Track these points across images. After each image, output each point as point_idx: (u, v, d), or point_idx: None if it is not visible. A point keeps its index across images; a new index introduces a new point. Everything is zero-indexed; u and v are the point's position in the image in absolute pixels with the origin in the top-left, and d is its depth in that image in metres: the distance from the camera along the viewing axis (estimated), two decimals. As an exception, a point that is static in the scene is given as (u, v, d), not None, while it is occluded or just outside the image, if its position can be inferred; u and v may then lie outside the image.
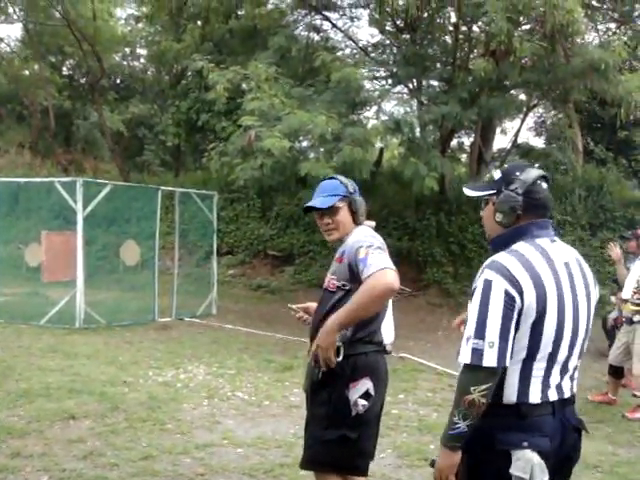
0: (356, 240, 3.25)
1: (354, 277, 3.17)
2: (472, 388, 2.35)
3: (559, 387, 2.48)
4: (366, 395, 3.22)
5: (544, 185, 2.56)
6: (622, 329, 7.59)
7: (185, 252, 16.59)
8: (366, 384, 3.23)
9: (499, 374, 2.36)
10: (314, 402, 3.39)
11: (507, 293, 2.34)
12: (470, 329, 2.39)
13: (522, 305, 2.35)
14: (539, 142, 22.16)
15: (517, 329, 2.37)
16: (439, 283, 15.33)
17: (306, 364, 8.76)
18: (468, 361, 2.37)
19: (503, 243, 2.53)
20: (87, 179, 12.37)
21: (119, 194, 15.45)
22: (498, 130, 19.42)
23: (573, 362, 2.52)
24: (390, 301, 3.44)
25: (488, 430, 2.42)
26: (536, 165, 17.17)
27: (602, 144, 17.71)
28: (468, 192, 2.72)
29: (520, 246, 2.48)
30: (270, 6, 16.16)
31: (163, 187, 13.40)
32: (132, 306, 12.63)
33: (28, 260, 16.29)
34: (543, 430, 2.41)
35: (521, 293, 2.35)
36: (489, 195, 2.61)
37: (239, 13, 17.73)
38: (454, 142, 18.84)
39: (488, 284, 2.38)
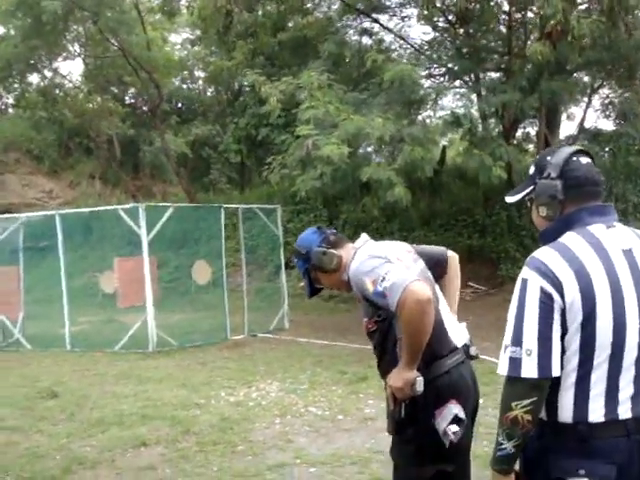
0: (353, 278, 2.94)
1: (378, 305, 2.85)
2: (514, 404, 2.03)
3: (636, 402, 2.05)
4: (456, 420, 2.79)
5: (584, 160, 2.21)
6: None
7: (255, 268, 16.61)
8: (452, 409, 2.81)
9: (544, 387, 2.03)
10: (400, 442, 3.00)
11: (543, 291, 2.02)
12: (507, 335, 2.09)
13: (563, 303, 2.01)
14: (608, 125, 21.36)
15: (565, 332, 2.03)
16: (514, 279, 14.76)
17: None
18: (506, 372, 2.06)
19: (552, 237, 2.17)
20: (149, 204, 12.48)
21: (185, 215, 15.61)
22: (564, 117, 18.86)
23: None
24: (442, 299, 3.09)
25: (543, 454, 2.11)
26: (605, 149, 16.62)
27: (675, 120, 16.89)
28: (509, 199, 2.39)
29: (566, 237, 2.12)
30: (318, 14, 16.08)
31: (225, 205, 13.41)
32: (204, 326, 12.66)
33: (103, 287, 16.60)
34: (609, 456, 2.01)
35: (560, 290, 2.01)
36: (528, 193, 2.29)
37: (287, 25, 17.74)
38: (519, 133, 18.36)
39: (524, 283, 2.08)
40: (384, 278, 2.73)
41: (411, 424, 2.89)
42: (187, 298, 15.72)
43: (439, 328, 2.92)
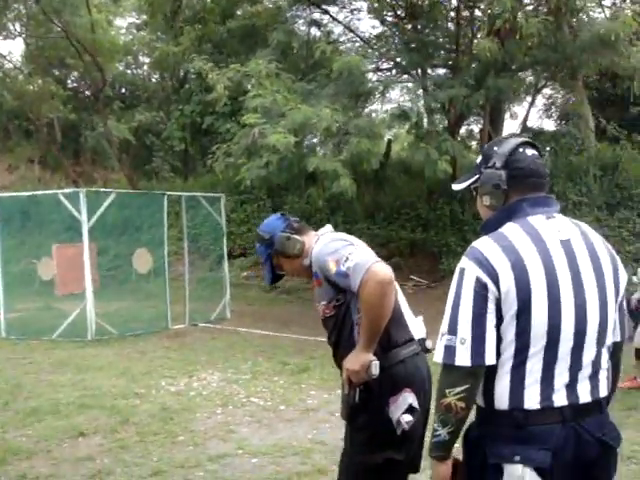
0: (316, 259, 2.95)
1: (340, 287, 2.86)
2: (447, 391, 2.06)
3: (571, 390, 2.08)
4: (410, 410, 2.81)
5: (529, 152, 2.23)
6: (648, 310, 7.30)
7: (197, 257, 16.45)
8: (407, 398, 2.83)
9: (478, 374, 2.06)
10: (352, 428, 3.01)
11: (479, 281, 2.04)
12: (444, 324, 2.11)
13: (499, 293, 2.03)
14: (550, 124, 21.83)
15: (501, 321, 2.05)
16: (456, 273, 15.08)
17: (322, 364, 8.57)
18: (441, 360, 2.08)
19: (493, 227, 2.19)
20: (90, 189, 12.22)
21: (128, 202, 15.34)
22: (507, 115, 19.18)
23: (589, 357, 2.10)
24: (400, 291, 3.10)
25: (480, 439, 2.14)
26: (547, 148, 16.94)
27: (614, 122, 17.34)
28: (455, 187, 2.41)
29: (506, 227, 2.14)
30: (267, 3, 15.96)
31: (169, 192, 13.20)
32: (145, 315, 12.47)
33: (41, 274, 16.25)
34: (545, 442, 2.04)
35: (496, 279, 2.03)
36: (474, 182, 2.30)
37: (236, 12, 17.54)
38: (463, 130, 18.59)
39: (461, 273, 2.09)
40: (347, 258, 2.77)
41: (364, 411, 2.90)
42: (127, 286, 15.46)
43: (398, 315, 2.96)
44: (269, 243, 3.15)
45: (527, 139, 2.30)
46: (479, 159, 2.33)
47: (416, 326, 3.08)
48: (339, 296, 2.92)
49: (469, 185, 2.35)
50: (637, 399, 6.86)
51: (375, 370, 2.78)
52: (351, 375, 2.84)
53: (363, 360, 2.78)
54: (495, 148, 2.26)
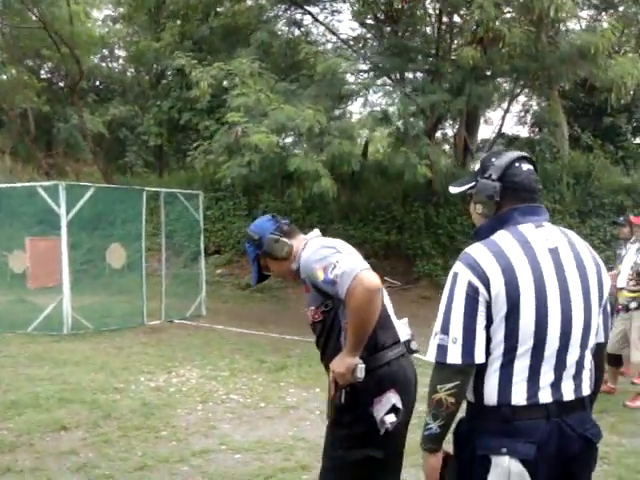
0: (304, 266, 3.00)
1: (328, 294, 2.92)
2: (439, 387, 2.20)
3: (555, 388, 2.22)
4: (393, 410, 2.89)
5: (525, 167, 2.36)
6: (619, 317, 7.48)
7: (172, 253, 16.38)
8: (391, 398, 2.90)
9: (468, 372, 2.20)
10: (335, 425, 3.07)
11: (470, 284, 2.18)
12: (437, 324, 2.25)
13: (489, 296, 2.17)
14: (523, 131, 22.10)
15: (490, 323, 2.19)
16: (429, 276, 15.25)
17: (299, 363, 8.63)
18: (433, 358, 2.23)
19: (485, 234, 2.33)
20: (70, 182, 12.14)
21: (103, 197, 15.19)
22: (482, 120, 19.37)
23: (573, 358, 2.24)
24: (386, 295, 3.18)
25: (469, 433, 2.28)
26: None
27: (588, 131, 17.63)
28: (452, 189, 2.54)
29: (498, 234, 2.29)
30: (249, 2, 15.97)
31: (148, 188, 13.16)
32: (120, 310, 12.40)
33: (13, 267, 16.06)
34: (530, 436, 2.17)
35: (487, 283, 2.17)
36: (470, 188, 2.43)
37: (218, 10, 17.52)
38: (437, 134, 18.74)
39: (454, 276, 2.24)
40: (335, 266, 2.81)
41: (349, 411, 2.97)
42: (100, 281, 15.33)
43: (384, 318, 3.02)
44: (258, 244, 3.19)
45: (525, 154, 2.43)
46: (477, 166, 2.47)
47: (401, 328, 3.17)
48: (327, 302, 2.98)
49: (465, 191, 2.47)
50: (607, 402, 7.04)
51: (360, 374, 2.86)
52: (337, 377, 2.91)
53: (349, 363, 2.85)
54: (493, 160, 2.39)
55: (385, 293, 3.07)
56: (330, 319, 3.02)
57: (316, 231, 3.27)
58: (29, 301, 13.16)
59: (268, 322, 12.28)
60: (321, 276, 2.86)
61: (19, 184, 14.05)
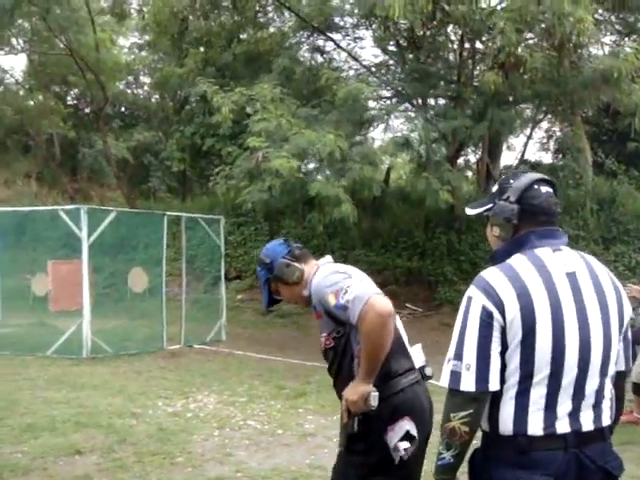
0: (315, 292, 2.96)
1: (340, 320, 2.87)
2: (452, 415, 2.12)
3: (574, 418, 2.12)
4: (408, 437, 2.81)
5: (544, 189, 2.29)
6: (644, 345, 7.31)
7: (193, 278, 16.39)
8: (404, 426, 2.83)
9: (482, 400, 2.11)
10: (348, 453, 2.99)
11: (485, 309, 2.11)
12: (450, 350, 2.17)
13: (504, 322, 2.09)
14: (546, 157, 21.98)
15: (505, 349, 2.11)
16: (451, 302, 15.07)
17: (318, 390, 8.54)
18: (446, 385, 2.14)
19: (501, 258, 2.26)
20: (92, 206, 12.22)
21: (125, 221, 15.31)
22: (504, 146, 19.28)
23: (592, 386, 2.15)
24: (399, 321, 3.12)
25: (486, 463, 2.19)
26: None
27: (612, 156, 17.48)
28: (468, 211, 2.48)
29: (514, 258, 2.21)
30: (272, 29, 16.11)
31: (169, 212, 13.21)
32: (140, 334, 12.40)
33: (35, 290, 16.17)
34: (547, 468, 2.08)
35: (501, 308, 2.09)
36: (487, 210, 2.37)
37: (241, 37, 17.69)
38: (460, 160, 18.70)
39: (468, 301, 2.17)
40: (346, 291, 2.77)
41: (363, 439, 2.89)
42: (122, 305, 15.38)
43: (398, 345, 2.96)
44: (269, 268, 3.16)
45: (544, 176, 2.36)
46: (495, 188, 2.39)
47: (415, 354, 3.10)
48: (339, 328, 2.93)
49: (482, 212, 2.41)
50: (633, 434, 6.84)
51: (374, 401, 2.79)
52: (350, 405, 2.84)
53: (362, 391, 2.79)
54: (511, 181, 2.32)
55: (398, 319, 3.01)
56: (342, 345, 2.96)
57: (328, 257, 3.23)
58: (50, 324, 13.20)
59: (288, 348, 12.20)
60: (333, 301, 2.82)
61: (42, 207, 14.16)
